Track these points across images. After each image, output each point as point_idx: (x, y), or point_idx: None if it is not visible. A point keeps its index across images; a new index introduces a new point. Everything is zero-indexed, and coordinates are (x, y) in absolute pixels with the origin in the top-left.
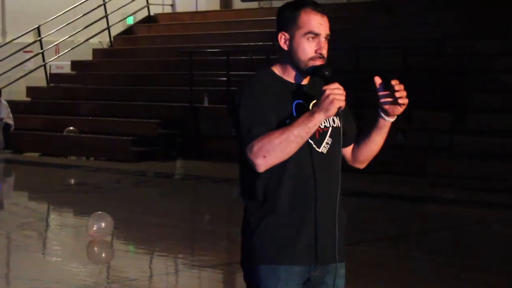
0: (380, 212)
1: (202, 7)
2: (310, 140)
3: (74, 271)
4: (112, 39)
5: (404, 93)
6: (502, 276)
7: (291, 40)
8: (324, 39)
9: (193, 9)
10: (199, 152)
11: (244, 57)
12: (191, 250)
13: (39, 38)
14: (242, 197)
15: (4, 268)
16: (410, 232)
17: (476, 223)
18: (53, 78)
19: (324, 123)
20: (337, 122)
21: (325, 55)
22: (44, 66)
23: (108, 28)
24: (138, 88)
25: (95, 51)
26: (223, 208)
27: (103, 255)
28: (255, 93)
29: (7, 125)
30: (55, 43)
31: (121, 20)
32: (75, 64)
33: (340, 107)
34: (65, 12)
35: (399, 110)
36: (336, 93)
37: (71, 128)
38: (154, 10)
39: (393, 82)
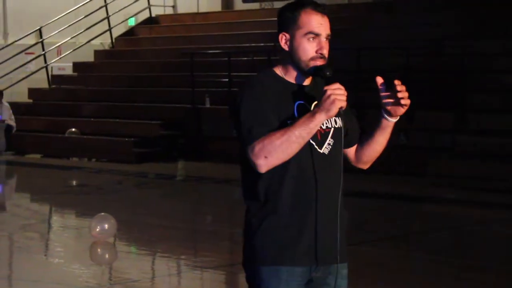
0: (381, 213)
1: (203, 8)
2: (311, 141)
3: (76, 273)
4: (113, 40)
5: (406, 94)
6: (502, 276)
7: (291, 41)
8: (324, 39)
9: (194, 10)
10: (200, 153)
11: (245, 58)
12: (193, 251)
13: (40, 40)
14: (243, 198)
15: (6, 269)
16: (411, 232)
17: (476, 223)
18: (54, 79)
19: (326, 124)
20: (339, 123)
21: (326, 55)
22: (46, 67)
23: (110, 29)
24: (139, 89)
25: (97, 53)
26: (225, 209)
27: (106, 256)
28: (256, 94)
29: (9, 127)
30: (57, 45)
31: (123, 21)
32: (76, 66)
33: (341, 107)
34: (66, 14)
35: (401, 110)
36: (337, 93)
37: (73, 129)
38: (156, 12)
39: (396, 82)
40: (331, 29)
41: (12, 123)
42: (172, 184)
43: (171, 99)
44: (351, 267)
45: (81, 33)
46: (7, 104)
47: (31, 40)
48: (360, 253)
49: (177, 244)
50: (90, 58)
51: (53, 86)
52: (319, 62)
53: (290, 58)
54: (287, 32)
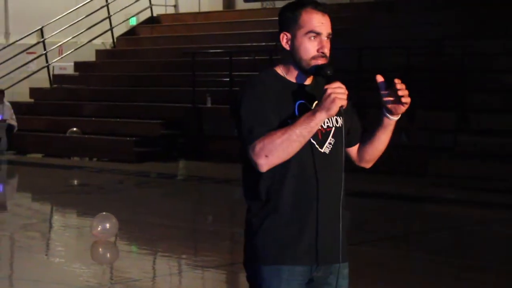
0: (381, 212)
1: (204, 8)
2: (312, 140)
3: (77, 272)
4: (115, 40)
5: (406, 92)
6: (502, 276)
7: (292, 40)
8: (325, 38)
9: (195, 9)
10: (201, 153)
11: (246, 58)
12: (194, 251)
13: (42, 39)
14: (245, 198)
15: (8, 269)
16: (411, 232)
17: (476, 223)
18: (56, 79)
19: (327, 123)
20: (340, 122)
21: (327, 54)
22: (47, 67)
23: (111, 29)
24: (140, 89)
25: (98, 52)
26: (226, 208)
27: (107, 256)
28: (258, 93)
29: (10, 126)
30: (58, 44)
31: (124, 21)
32: (78, 65)
33: (342, 106)
34: (68, 13)
35: (402, 109)
36: (337, 92)
37: (74, 129)
38: (157, 11)
39: (396, 80)
40: (332, 28)
41: (14, 122)
42: (173, 183)
43: (172, 99)
44: (351, 267)
45: (82, 32)
46: (8, 104)
47: (33, 39)
48: (360, 253)
49: (178, 243)
50: (91, 57)
51: (55, 85)
52: (320, 61)
53: (291, 57)
54: (288, 32)
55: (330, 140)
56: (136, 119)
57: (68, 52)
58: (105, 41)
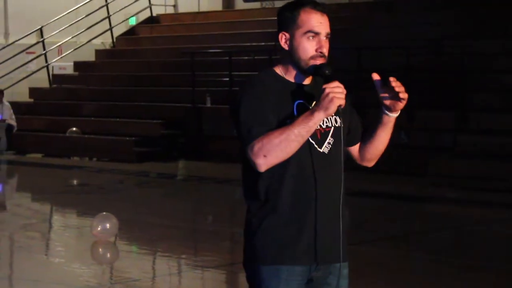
0: (381, 212)
1: (204, 8)
2: (311, 140)
3: (77, 272)
4: (114, 40)
5: (402, 88)
6: (502, 276)
7: (291, 40)
8: (324, 37)
9: (195, 9)
10: (201, 153)
11: (246, 58)
12: (194, 251)
13: (41, 39)
14: (244, 198)
15: (7, 269)
16: (411, 232)
17: (476, 223)
18: (55, 79)
19: (326, 123)
20: (339, 122)
21: (326, 54)
22: (47, 67)
23: (111, 29)
24: (140, 88)
25: (98, 52)
26: (226, 208)
27: (107, 256)
28: (257, 93)
29: (9, 126)
30: (58, 44)
31: (124, 21)
32: (77, 65)
33: (340, 106)
34: (67, 13)
35: (400, 105)
36: (336, 92)
37: (74, 129)
38: (157, 11)
39: (391, 78)
40: (331, 28)
41: (13, 122)
42: (173, 183)
43: (172, 99)
44: (351, 267)
45: (82, 32)
46: (8, 104)
47: (32, 39)
48: (360, 252)
49: (178, 243)
50: (91, 57)
51: (54, 85)
52: (319, 61)
53: (290, 57)
54: (286, 32)
55: (329, 139)
56: (136, 119)
57: (68, 52)
58: (105, 41)
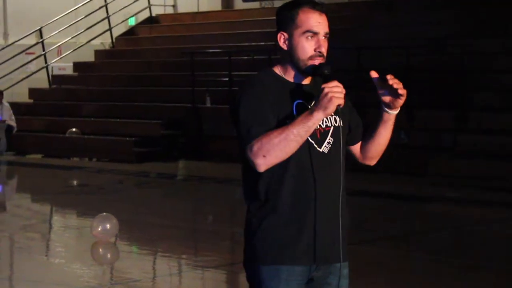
0: (381, 212)
1: (203, 8)
2: (311, 140)
3: (78, 273)
4: (114, 40)
5: (400, 84)
6: (502, 276)
7: (290, 40)
8: (323, 37)
9: (194, 9)
10: (201, 153)
11: (245, 57)
12: (194, 251)
13: (41, 40)
14: (244, 198)
15: (7, 270)
16: (411, 232)
17: (477, 223)
18: (55, 79)
19: (326, 122)
20: (339, 122)
21: (325, 53)
22: (46, 67)
23: (110, 29)
24: (140, 89)
25: (97, 52)
26: (226, 208)
27: (107, 256)
28: (256, 93)
29: (9, 127)
30: (57, 45)
31: (123, 21)
32: (77, 66)
33: (339, 105)
34: (67, 14)
35: (400, 102)
36: (334, 91)
37: (74, 129)
38: (156, 11)
39: (388, 76)
40: (330, 27)
41: (13, 123)
42: (173, 183)
43: (172, 99)
44: (351, 267)
45: (81, 33)
46: (7, 105)
47: (32, 40)
48: (360, 252)
49: (178, 243)
50: (90, 58)
51: (54, 86)
52: (318, 61)
53: (289, 57)
54: (285, 31)
55: (329, 139)
56: (135, 119)
57: (67, 53)
58: (104, 41)
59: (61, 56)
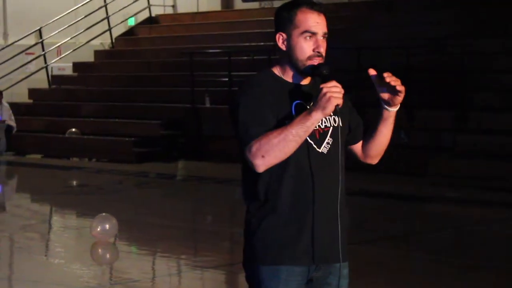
0: (381, 212)
1: (203, 8)
2: (310, 140)
3: (77, 273)
4: (113, 40)
5: (398, 81)
6: (502, 276)
7: (288, 40)
8: (321, 37)
9: (194, 9)
10: (201, 153)
11: (245, 58)
12: (193, 251)
13: (40, 40)
14: (244, 198)
15: (7, 270)
16: (411, 232)
17: (477, 223)
18: (54, 79)
19: (325, 123)
20: (338, 122)
21: (323, 54)
22: (46, 68)
23: (110, 29)
24: (139, 89)
25: (97, 53)
26: (226, 209)
27: (107, 257)
28: (255, 93)
29: (9, 127)
30: (57, 45)
31: (123, 21)
32: (76, 66)
33: (338, 105)
34: (66, 14)
35: (399, 99)
36: (333, 91)
37: (73, 129)
38: (155, 11)
39: (385, 74)
40: (328, 27)
41: (12, 123)
42: (172, 183)
43: (171, 99)
44: (351, 267)
45: (81, 33)
46: (7, 105)
47: (31, 40)
48: (359, 252)
49: (178, 243)
50: (90, 58)
51: (53, 86)
52: (317, 61)
53: (288, 57)
54: (284, 32)
55: (328, 139)
56: (135, 120)
57: (67, 53)
58: (104, 42)
59: (61, 57)
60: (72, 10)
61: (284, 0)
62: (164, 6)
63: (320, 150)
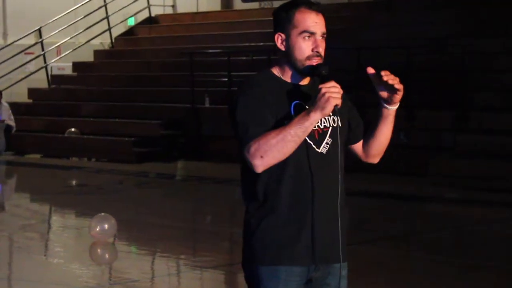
0: (381, 212)
1: (203, 8)
2: (309, 141)
3: (76, 273)
4: (113, 40)
5: (396, 79)
6: (502, 276)
7: (287, 40)
8: (320, 37)
9: (194, 9)
10: (200, 153)
11: (245, 58)
12: (193, 251)
13: (40, 40)
14: (243, 198)
15: (6, 270)
16: (411, 232)
17: (477, 223)
18: (54, 79)
19: (324, 123)
20: (337, 122)
21: (322, 53)
22: (46, 67)
23: (109, 29)
24: (139, 89)
25: (96, 52)
26: (225, 209)
27: (106, 256)
28: (254, 94)
29: (8, 127)
30: (56, 45)
31: (122, 21)
32: (76, 66)
33: (336, 105)
34: (66, 14)
35: (397, 97)
36: (332, 91)
37: (73, 129)
38: (155, 11)
39: (383, 73)
40: (327, 27)
41: (12, 123)
42: (172, 183)
43: (171, 99)
44: (351, 267)
45: (80, 33)
46: (6, 104)
47: (31, 40)
48: (359, 252)
49: (177, 243)
50: (89, 58)
51: (53, 86)
52: (316, 61)
53: (287, 57)
54: (282, 32)
55: (327, 140)
56: (135, 120)
57: (66, 53)
58: (103, 41)
59: (60, 56)
60: (72, 10)
61: (283, 0)
62: (164, 6)
63: (319, 150)
